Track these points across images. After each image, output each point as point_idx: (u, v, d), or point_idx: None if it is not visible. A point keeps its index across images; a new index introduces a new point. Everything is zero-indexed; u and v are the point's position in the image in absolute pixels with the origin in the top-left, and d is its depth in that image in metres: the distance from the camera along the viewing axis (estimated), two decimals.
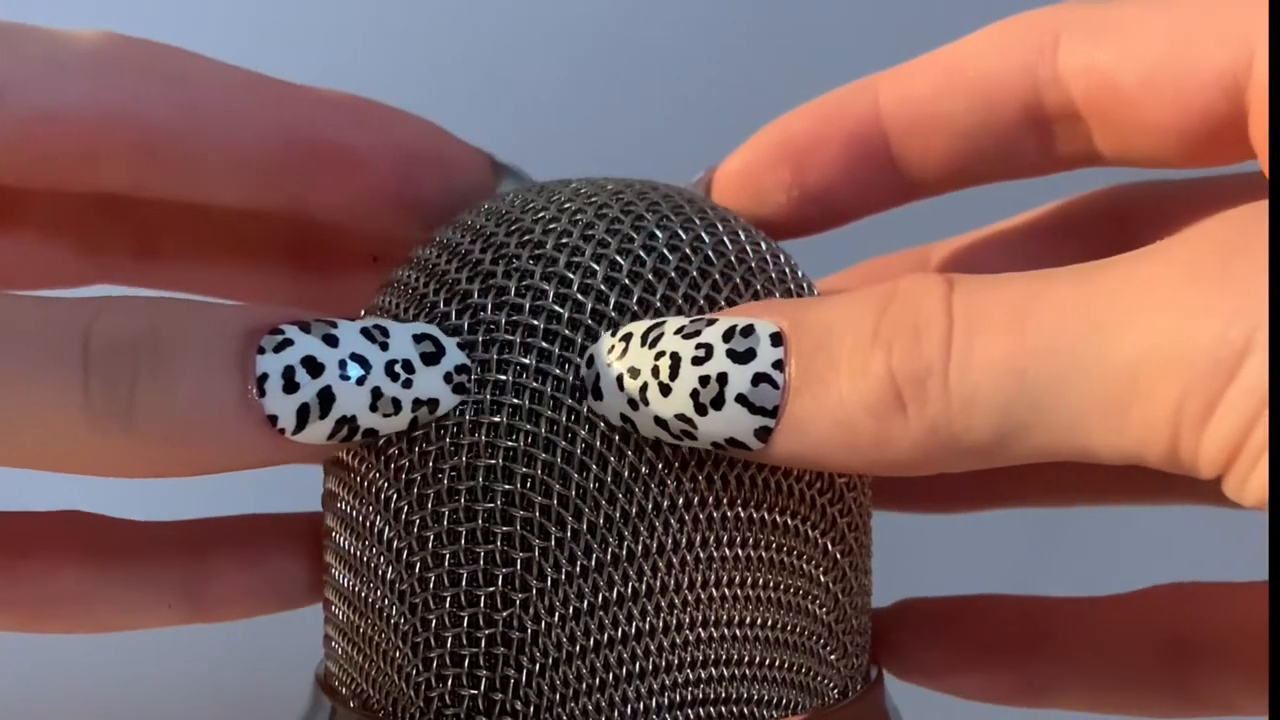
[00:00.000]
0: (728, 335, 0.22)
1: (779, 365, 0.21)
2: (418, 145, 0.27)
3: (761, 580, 0.24)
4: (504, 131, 0.47)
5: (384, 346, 0.22)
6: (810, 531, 0.24)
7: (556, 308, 0.23)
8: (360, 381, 0.22)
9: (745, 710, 0.24)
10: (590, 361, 0.23)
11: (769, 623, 0.24)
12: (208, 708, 0.44)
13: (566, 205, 0.25)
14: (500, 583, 0.23)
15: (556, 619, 0.23)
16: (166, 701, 0.44)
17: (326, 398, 0.22)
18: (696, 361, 0.22)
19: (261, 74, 0.26)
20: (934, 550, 0.36)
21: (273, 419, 0.22)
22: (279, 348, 0.22)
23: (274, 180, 0.26)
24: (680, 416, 0.22)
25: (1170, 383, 0.19)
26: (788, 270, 0.25)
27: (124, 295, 0.22)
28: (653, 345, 0.22)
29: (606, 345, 0.23)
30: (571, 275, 0.23)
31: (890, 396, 0.20)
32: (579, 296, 0.23)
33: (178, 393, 0.21)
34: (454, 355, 0.23)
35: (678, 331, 0.22)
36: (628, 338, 0.22)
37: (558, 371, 0.23)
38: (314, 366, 0.22)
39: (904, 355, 0.20)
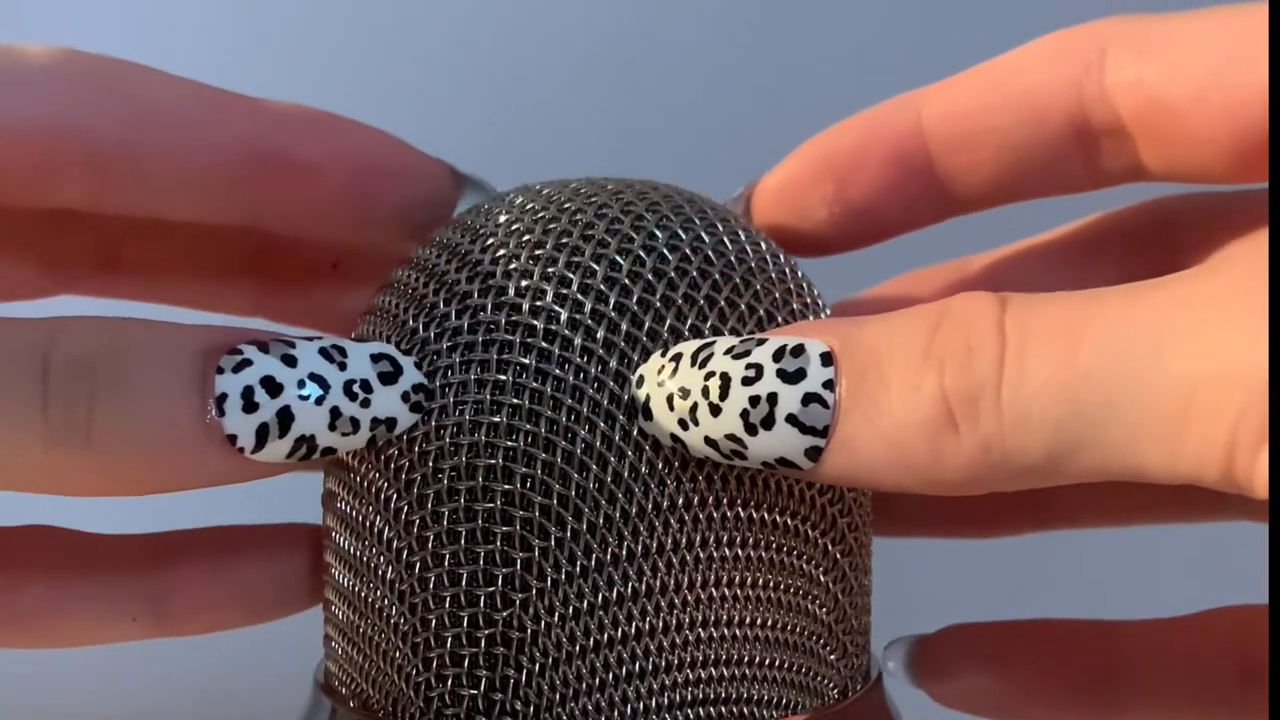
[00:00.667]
0: (778, 355, 0.22)
1: (829, 385, 0.21)
2: (372, 155, 0.27)
3: (761, 580, 0.24)
4: (504, 131, 0.47)
5: (342, 366, 0.23)
6: (810, 531, 0.24)
7: (556, 308, 0.23)
8: (319, 401, 0.22)
9: (745, 710, 0.24)
10: (640, 381, 0.23)
11: (769, 623, 0.24)
12: (208, 708, 0.44)
13: (566, 205, 0.25)
14: (500, 583, 0.23)
15: (556, 619, 0.23)
16: (166, 702, 0.44)
17: (285, 417, 0.22)
18: (747, 382, 0.22)
19: (215, 87, 0.25)
20: (934, 550, 0.36)
21: (232, 438, 0.22)
22: (238, 368, 0.22)
23: (229, 193, 0.26)
24: (730, 436, 0.22)
25: (1226, 403, 0.19)
26: (788, 270, 0.25)
27: (82, 315, 0.22)
28: (702, 365, 0.22)
29: (656, 365, 0.23)
30: (571, 275, 0.23)
31: (942, 415, 0.20)
32: (579, 296, 0.23)
33: (136, 413, 0.22)
34: (411, 374, 0.23)
35: (728, 351, 0.22)
36: (678, 358, 0.23)
37: (557, 371, 0.23)
38: (273, 386, 0.22)
39: (956, 374, 0.20)
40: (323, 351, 0.23)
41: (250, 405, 0.22)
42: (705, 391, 0.22)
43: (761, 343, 0.22)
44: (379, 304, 0.26)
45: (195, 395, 0.22)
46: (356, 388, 0.23)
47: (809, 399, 0.21)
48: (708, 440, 0.22)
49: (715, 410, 0.22)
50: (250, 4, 0.47)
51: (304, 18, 0.47)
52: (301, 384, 0.22)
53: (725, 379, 0.22)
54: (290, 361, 0.22)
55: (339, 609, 0.25)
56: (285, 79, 0.47)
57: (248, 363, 0.22)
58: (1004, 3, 0.49)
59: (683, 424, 0.22)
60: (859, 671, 0.26)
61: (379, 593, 0.24)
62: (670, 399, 0.22)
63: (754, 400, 0.22)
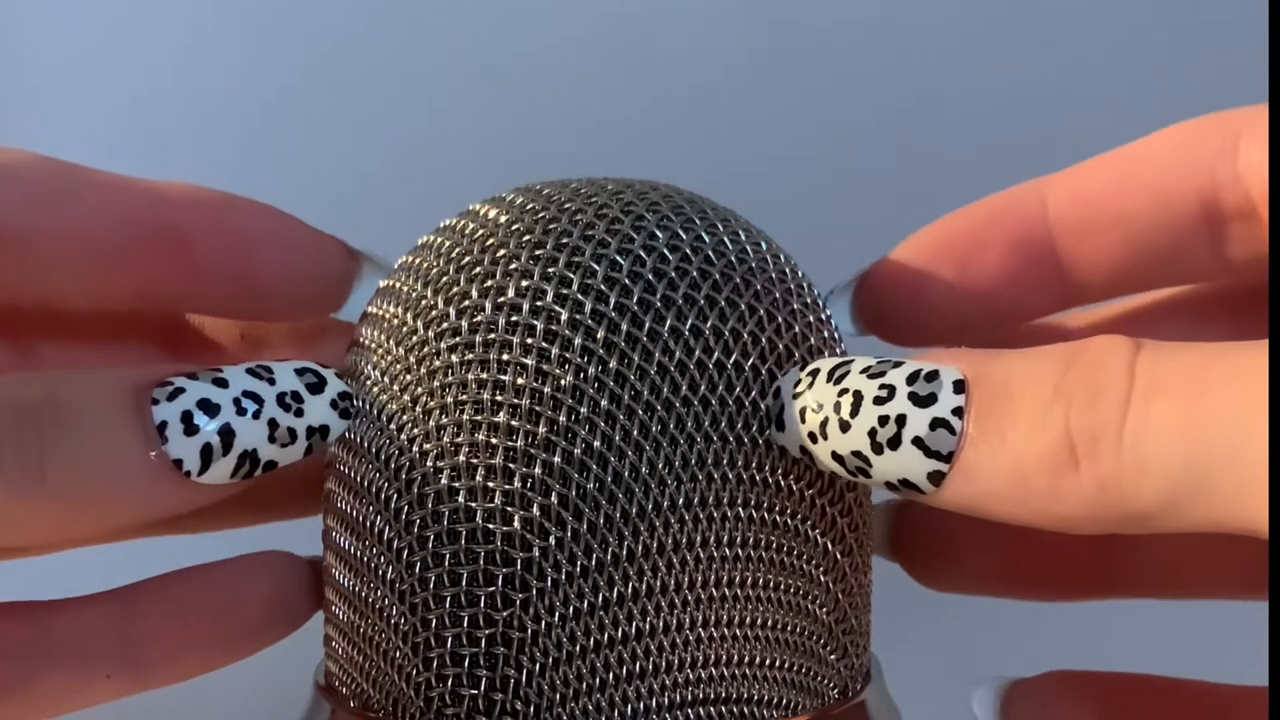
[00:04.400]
0: (912, 378, 0.22)
1: (958, 412, 0.22)
2: (253, 229, 0.27)
3: (761, 580, 0.24)
4: (504, 131, 0.47)
5: (271, 382, 0.24)
6: (810, 531, 0.24)
7: (556, 308, 0.23)
8: (256, 416, 0.23)
9: (745, 710, 0.24)
10: (776, 393, 0.23)
11: (769, 623, 0.24)
12: (207, 708, 0.44)
13: (567, 205, 0.25)
14: (500, 583, 0.23)
15: (556, 619, 0.23)
16: (166, 702, 0.44)
17: (227, 434, 0.23)
18: (878, 401, 0.22)
19: (97, 170, 0.26)
20: None
21: (178, 463, 0.23)
22: (172, 396, 0.23)
23: (117, 270, 0.26)
24: (856, 453, 0.22)
25: None
26: (788, 270, 0.25)
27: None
28: (838, 381, 0.23)
29: (793, 379, 0.23)
30: (571, 275, 0.23)
31: (1064, 452, 0.21)
32: (579, 296, 0.23)
33: (85, 453, 0.22)
34: (335, 384, 0.24)
35: (864, 370, 0.23)
36: (815, 373, 0.23)
37: (557, 371, 0.23)
38: (210, 408, 0.23)
39: (1082, 413, 0.21)
40: (250, 371, 0.24)
41: (191, 428, 0.23)
42: (837, 407, 0.22)
43: (898, 365, 0.22)
44: (376, 308, 0.26)
45: (137, 427, 0.23)
46: (289, 399, 0.24)
47: (936, 423, 0.22)
48: (834, 455, 0.23)
49: (844, 426, 0.22)
50: (250, 3, 0.47)
51: (304, 17, 0.47)
52: (237, 401, 0.23)
53: (858, 397, 0.22)
54: (222, 384, 0.23)
55: (339, 609, 0.25)
56: (285, 79, 0.47)
57: (180, 390, 0.23)
58: (1006, 4, 0.49)
59: (812, 437, 0.23)
60: (859, 671, 0.26)
61: (379, 593, 0.24)
62: (803, 412, 0.23)
63: (883, 420, 0.22)
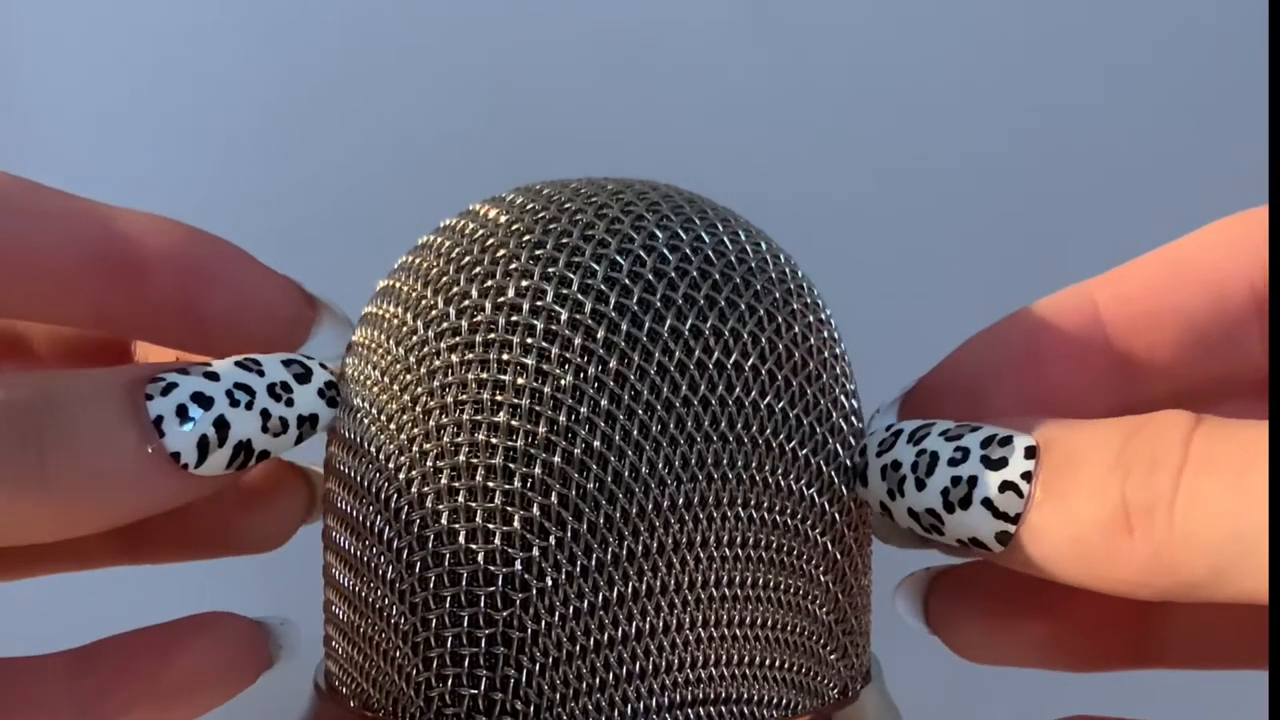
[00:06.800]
0: (986, 442, 0.23)
1: (1027, 476, 0.23)
2: (207, 265, 0.27)
3: (761, 580, 0.24)
4: (504, 131, 0.47)
5: (260, 373, 0.24)
6: (810, 531, 0.24)
7: (556, 308, 0.23)
8: (249, 406, 0.24)
9: (745, 710, 0.24)
10: (863, 451, 0.25)
11: (769, 623, 0.24)
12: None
13: (567, 205, 0.25)
14: (500, 583, 0.23)
15: (556, 619, 0.23)
16: None
17: (222, 426, 0.24)
18: (952, 462, 0.23)
19: (57, 191, 0.26)
20: (933, 550, 0.36)
21: (175, 456, 0.23)
22: (165, 391, 0.23)
23: (70, 295, 0.26)
24: (930, 511, 0.23)
25: None
26: (788, 270, 0.25)
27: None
28: (917, 442, 0.24)
29: (878, 439, 0.25)
30: (571, 275, 0.23)
31: (1120, 519, 0.21)
32: (579, 296, 0.23)
33: (84, 446, 0.23)
34: (320, 374, 0.25)
35: (942, 433, 0.24)
36: (897, 433, 0.24)
37: (557, 371, 0.23)
38: (203, 400, 0.24)
39: (1139, 483, 0.21)
40: (239, 364, 0.24)
41: (186, 420, 0.23)
42: (915, 466, 0.24)
43: (975, 429, 0.24)
44: (376, 308, 0.26)
45: (134, 424, 0.23)
46: (278, 389, 0.24)
47: (1005, 486, 0.23)
48: (910, 512, 0.24)
49: (920, 485, 0.24)
50: (251, 3, 0.47)
51: (305, 16, 0.47)
52: (229, 394, 0.24)
53: (934, 457, 0.23)
54: (213, 377, 0.24)
55: (339, 609, 0.25)
56: (285, 78, 0.47)
57: (173, 385, 0.24)
58: (1008, 6, 0.49)
59: (890, 494, 0.24)
60: (859, 671, 0.26)
61: (379, 592, 0.24)
62: (884, 469, 0.24)
63: (955, 480, 0.23)
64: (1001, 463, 0.23)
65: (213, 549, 0.29)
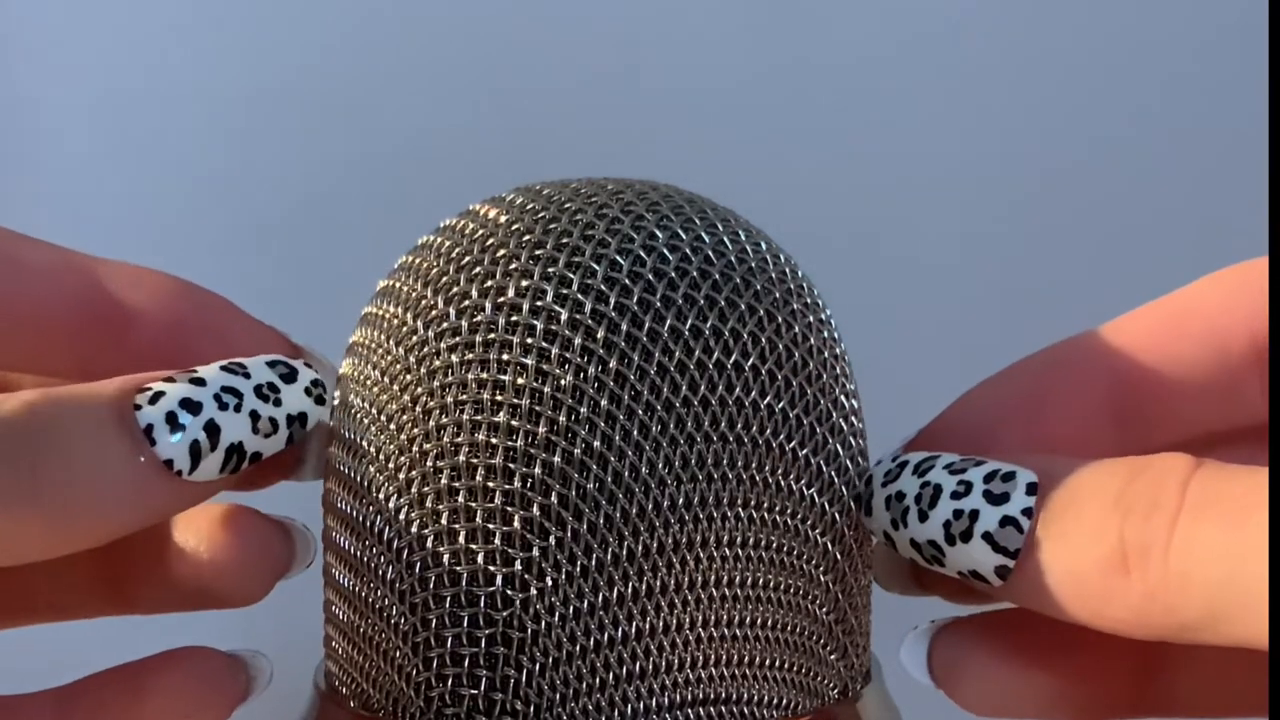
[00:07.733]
0: (989, 477, 0.23)
1: (1028, 512, 0.23)
2: (192, 317, 0.27)
3: (761, 580, 0.24)
4: (504, 131, 0.47)
5: (246, 375, 0.25)
6: (810, 531, 0.24)
7: (556, 308, 0.23)
8: (237, 409, 0.24)
9: (745, 710, 0.24)
10: (869, 481, 0.25)
11: (769, 623, 0.24)
12: None
13: (567, 205, 0.25)
14: (500, 583, 0.23)
15: (556, 619, 0.23)
16: None
17: (212, 430, 0.24)
18: (955, 496, 0.24)
19: (42, 242, 0.26)
20: None
21: (168, 463, 0.23)
22: (153, 399, 0.23)
23: (54, 347, 0.26)
24: (931, 543, 0.24)
25: None
26: (788, 270, 0.25)
27: None
28: (922, 474, 0.24)
29: (884, 469, 0.25)
30: (571, 275, 0.23)
31: (1118, 558, 0.22)
32: (579, 296, 0.23)
33: (75, 460, 0.23)
34: (306, 373, 0.25)
35: (946, 466, 0.24)
36: (903, 465, 0.25)
37: (557, 371, 0.23)
38: (192, 406, 0.24)
39: (1137, 524, 0.22)
40: (224, 368, 0.25)
41: (177, 427, 0.23)
42: (918, 498, 0.24)
43: (980, 463, 0.24)
44: (375, 309, 0.26)
45: (124, 435, 0.23)
46: (265, 390, 0.25)
47: (1006, 521, 0.23)
48: (913, 543, 0.24)
49: (923, 517, 0.24)
50: (250, 3, 0.47)
51: (305, 15, 0.47)
52: (217, 397, 0.24)
53: (937, 490, 0.24)
54: (199, 383, 0.24)
55: (339, 609, 0.25)
56: (285, 78, 0.47)
57: (160, 394, 0.24)
58: (1016, 11, 0.49)
59: (894, 524, 0.24)
60: (859, 671, 0.26)
61: (379, 593, 0.24)
62: (888, 500, 0.24)
63: (957, 514, 0.23)
64: (1003, 498, 0.23)
65: (193, 603, 0.29)
